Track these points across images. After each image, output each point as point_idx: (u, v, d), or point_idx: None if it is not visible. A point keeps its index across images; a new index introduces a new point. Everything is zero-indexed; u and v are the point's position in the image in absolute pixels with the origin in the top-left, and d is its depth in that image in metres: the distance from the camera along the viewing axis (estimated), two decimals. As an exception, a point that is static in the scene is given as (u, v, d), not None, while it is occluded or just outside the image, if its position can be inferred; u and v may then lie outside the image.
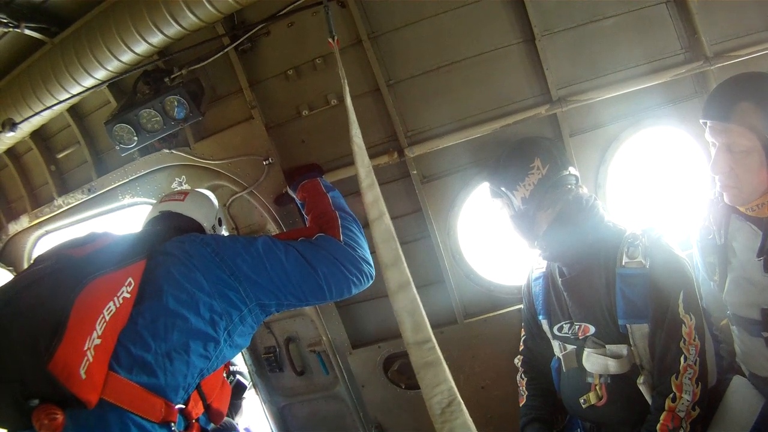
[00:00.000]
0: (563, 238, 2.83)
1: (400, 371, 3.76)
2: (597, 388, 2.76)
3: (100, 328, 1.94)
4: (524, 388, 3.23)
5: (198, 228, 2.82)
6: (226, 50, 3.34)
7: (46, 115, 3.67)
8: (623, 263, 2.67)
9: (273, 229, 3.72)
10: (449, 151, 3.40)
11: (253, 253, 2.39)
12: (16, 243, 4.76)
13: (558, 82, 3.21)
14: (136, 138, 3.40)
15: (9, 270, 4.72)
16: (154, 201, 3.88)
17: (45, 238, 4.69)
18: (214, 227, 2.95)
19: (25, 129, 3.75)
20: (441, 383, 2.23)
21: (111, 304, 2.01)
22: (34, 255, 4.77)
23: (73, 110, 4.01)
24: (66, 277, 2.04)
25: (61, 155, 4.31)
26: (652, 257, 2.61)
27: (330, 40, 2.77)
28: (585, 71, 3.20)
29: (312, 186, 3.12)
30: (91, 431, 1.94)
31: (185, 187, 3.82)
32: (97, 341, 1.92)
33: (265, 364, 4.05)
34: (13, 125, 3.59)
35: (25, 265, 4.76)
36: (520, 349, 3.34)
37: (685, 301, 2.51)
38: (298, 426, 4.26)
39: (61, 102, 3.50)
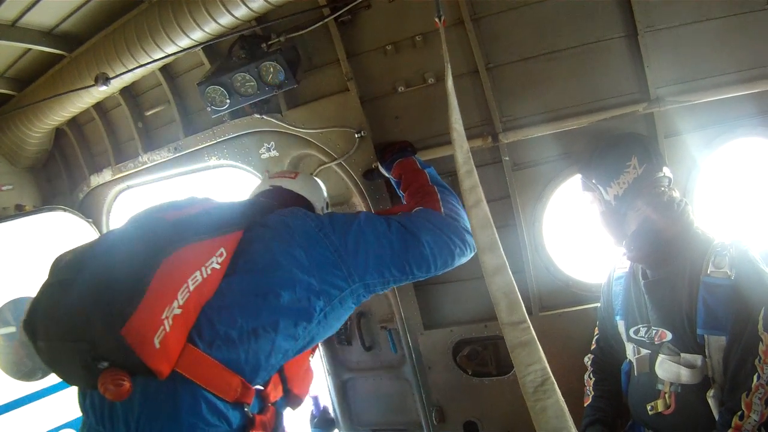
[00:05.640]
0: (651, 239, 2.93)
1: (470, 357, 3.94)
2: (666, 396, 2.87)
3: (182, 298, 1.98)
4: (591, 388, 3.37)
5: (308, 207, 2.85)
6: (325, 20, 3.54)
7: (138, 73, 3.98)
8: (708, 272, 2.75)
9: (358, 202, 3.96)
10: (542, 141, 3.54)
11: (355, 228, 2.47)
12: (97, 195, 5.23)
13: (657, 80, 3.28)
14: (228, 101, 3.69)
15: (88, 222, 5.15)
16: (240, 164, 4.25)
17: (126, 192, 5.12)
18: (322, 209, 3.07)
19: (116, 85, 4.05)
20: (534, 363, 2.33)
21: (197, 273, 2.06)
22: (114, 209, 5.24)
23: (165, 69, 4.35)
24: (153, 241, 2.09)
25: (149, 113, 4.67)
26: (738, 269, 2.68)
27: (436, 19, 2.87)
28: (685, 72, 3.25)
29: (408, 163, 3.31)
30: (158, 403, 2.00)
31: (282, 159, 4.09)
32: (177, 311, 1.96)
33: (334, 336, 4.28)
34: (106, 80, 3.82)
35: (104, 218, 5.23)
36: (592, 348, 3.47)
37: (765, 318, 2.56)
38: (358, 400, 4.52)
39: (154, 61, 3.79)
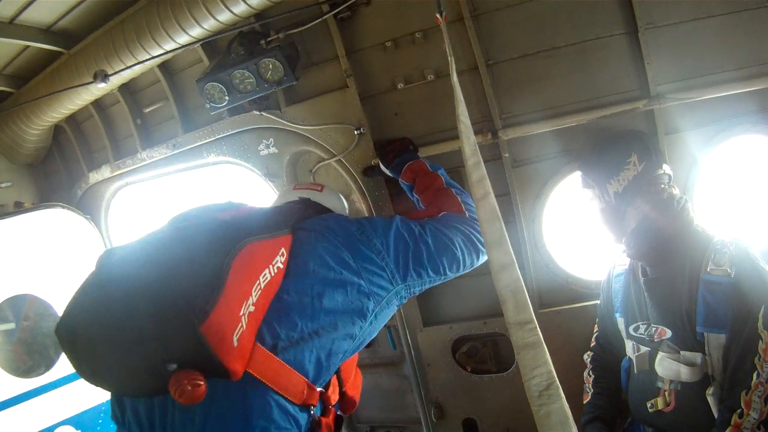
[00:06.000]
0: (651, 237, 2.93)
1: (469, 354, 3.96)
2: (666, 393, 2.87)
3: (256, 295, 1.92)
4: (590, 385, 3.37)
5: None
6: (324, 17, 3.53)
7: (137, 70, 3.96)
8: (708, 269, 2.74)
9: (358, 199, 3.96)
10: (542, 138, 3.54)
11: (394, 231, 2.52)
12: (95, 192, 5.22)
13: (658, 78, 3.27)
14: (227, 97, 3.68)
15: (87, 218, 5.14)
16: (239, 161, 4.26)
17: (125, 189, 5.12)
18: None
19: (114, 81, 4.05)
20: (540, 365, 2.25)
21: (267, 271, 2.01)
22: (113, 205, 5.24)
23: (164, 66, 4.34)
24: (218, 237, 2.01)
25: (148, 110, 4.66)
26: (738, 267, 2.67)
27: (438, 15, 2.87)
28: (686, 69, 3.24)
29: (420, 166, 3.34)
30: (227, 406, 1.91)
31: (281, 156, 4.11)
32: (252, 308, 1.89)
33: (334, 334, 4.37)
34: (105, 77, 3.82)
35: (103, 215, 5.23)
36: (591, 345, 3.47)
37: (765, 316, 2.55)
38: None
39: (153, 57, 3.77)
